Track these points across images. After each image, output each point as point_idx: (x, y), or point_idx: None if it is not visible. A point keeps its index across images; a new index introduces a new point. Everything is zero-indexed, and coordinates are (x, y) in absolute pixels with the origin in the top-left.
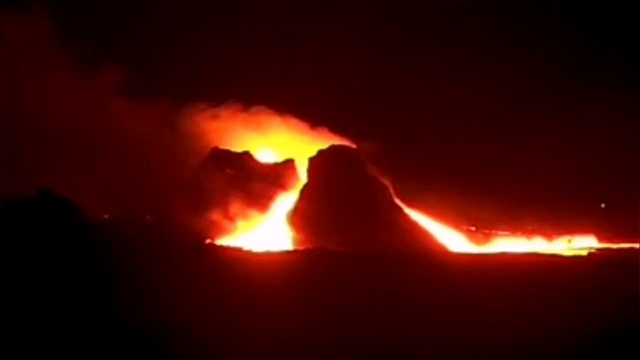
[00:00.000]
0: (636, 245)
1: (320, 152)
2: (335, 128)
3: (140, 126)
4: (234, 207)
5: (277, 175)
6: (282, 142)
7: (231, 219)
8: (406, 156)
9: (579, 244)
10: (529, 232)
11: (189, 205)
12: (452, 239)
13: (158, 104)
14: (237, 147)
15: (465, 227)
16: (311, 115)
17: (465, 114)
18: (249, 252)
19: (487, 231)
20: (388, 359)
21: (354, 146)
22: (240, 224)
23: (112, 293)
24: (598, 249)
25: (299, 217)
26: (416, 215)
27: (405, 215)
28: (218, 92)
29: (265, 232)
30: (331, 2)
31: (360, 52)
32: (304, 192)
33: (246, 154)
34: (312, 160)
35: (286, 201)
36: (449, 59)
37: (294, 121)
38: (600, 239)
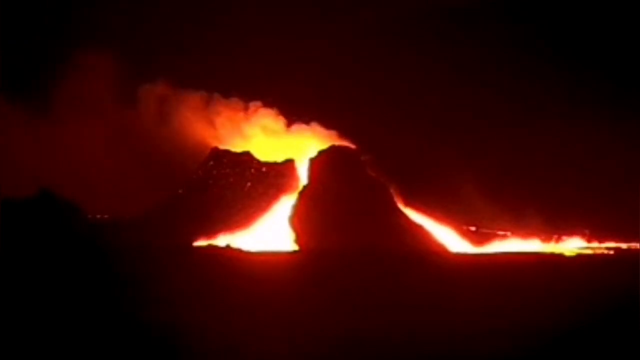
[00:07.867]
0: (636, 245)
1: (320, 152)
2: (336, 129)
3: (140, 127)
4: (234, 207)
5: (277, 175)
6: (282, 142)
7: (231, 219)
8: (406, 156)
9: (577, 244)
10: (528, 232)
11: (189, 205)
12: (452, 239)
13: (158, 105)
14: (237, 147)
15: (465, 227)
16: (312, 115)
17: (466, 115)
18: (249, 252)
19: (487, 231)
20: (388, 357)
21: (353, 146)
22: (240, 224)
23: (112, 293)
24: (597, 249)
25: (299, 217)
26: (416, 215)
27: (404, 215)
28: (219, 93)
29: (265, 232)
30: (336, 4)
31: (362, 52)
32: (304, 192)
33: (246, 154)
34: (312, 160)
35: (286, 201)
36: (449, 60)
37: (294, 121)
38: (599, 238)
